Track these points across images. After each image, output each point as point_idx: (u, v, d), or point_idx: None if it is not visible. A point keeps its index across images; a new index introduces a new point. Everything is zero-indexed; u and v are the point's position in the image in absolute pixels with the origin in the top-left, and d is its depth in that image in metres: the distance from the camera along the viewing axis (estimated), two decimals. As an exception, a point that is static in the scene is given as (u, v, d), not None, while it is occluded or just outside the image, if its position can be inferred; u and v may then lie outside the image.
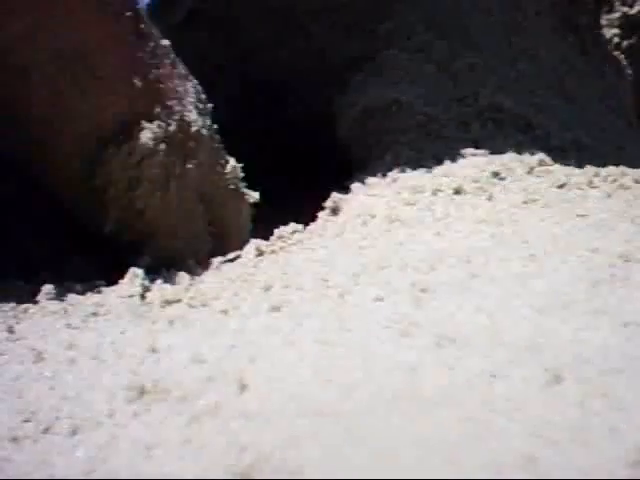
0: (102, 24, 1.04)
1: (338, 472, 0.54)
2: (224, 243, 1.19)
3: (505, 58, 1.48)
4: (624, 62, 1.71)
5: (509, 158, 1.24)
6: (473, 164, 1.23)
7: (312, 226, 1.23)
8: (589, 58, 1.66)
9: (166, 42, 1.14)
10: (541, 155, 1.26)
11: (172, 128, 1.09)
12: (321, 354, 0.72)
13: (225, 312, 0.92)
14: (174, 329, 0.87)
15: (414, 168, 1.26)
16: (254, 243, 1.15)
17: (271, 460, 0.55)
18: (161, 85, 1.11)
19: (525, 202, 1.13)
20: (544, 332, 0.71)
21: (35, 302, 0.97)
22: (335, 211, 1.24)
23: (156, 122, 1.07)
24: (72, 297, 1.00)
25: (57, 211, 1.14)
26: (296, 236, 1.17)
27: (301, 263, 1.06)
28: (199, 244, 1.17)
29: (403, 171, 1.25)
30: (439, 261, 0.94)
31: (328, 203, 1.26)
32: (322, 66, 1.56)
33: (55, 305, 0.98)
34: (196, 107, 1.16)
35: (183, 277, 1.05)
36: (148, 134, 1.05)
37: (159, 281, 1.02)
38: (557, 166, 1.23)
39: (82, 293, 1.02)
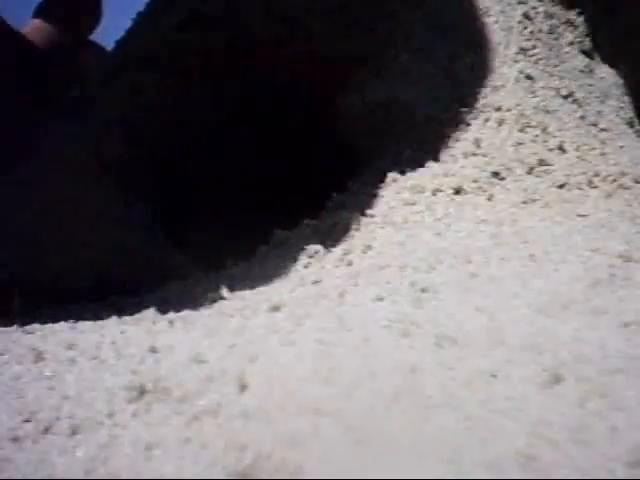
0: None
1: (338, 472, 0.54)
2: None
3: (505, 58, 1.48)
4: (624, 62, 1.71)
5: (509, 158, 1.24)
6: (473, 164, 1.23)
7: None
8: (589, 58, 1.65)
9: None
10: (541, 155, 1.25)
11: None
12: (321, 354, 0.72)
13: (225, 312, 0.92)
14: (174, 329, 0.87)
15: (414, 168, 1.25)
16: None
17: (271, 460, 0.55)
18: None
19: (525, 202, 1.13)
20: (544, 332, 0.71)
21: (36, 302, 0.97)
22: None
23: None
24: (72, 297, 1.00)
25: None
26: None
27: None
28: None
29: (403, 171, 1.25)
30: (439, 261, 0.94)
31: (329, 204, 1.26)
32: (322, 66, 1.56)
33: (55, 305, 0.98)
34: None
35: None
36: None
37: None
38: (557, 166, 1.23)
39: (82, 293, 1.02)
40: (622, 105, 1.57)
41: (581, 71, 1.57)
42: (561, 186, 1.18)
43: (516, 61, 1.47)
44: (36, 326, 0.91)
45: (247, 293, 0.97)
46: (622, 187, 1.18)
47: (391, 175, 1.25)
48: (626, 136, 1.44)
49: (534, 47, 1.52)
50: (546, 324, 0.73)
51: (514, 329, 0.73)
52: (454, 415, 0.58)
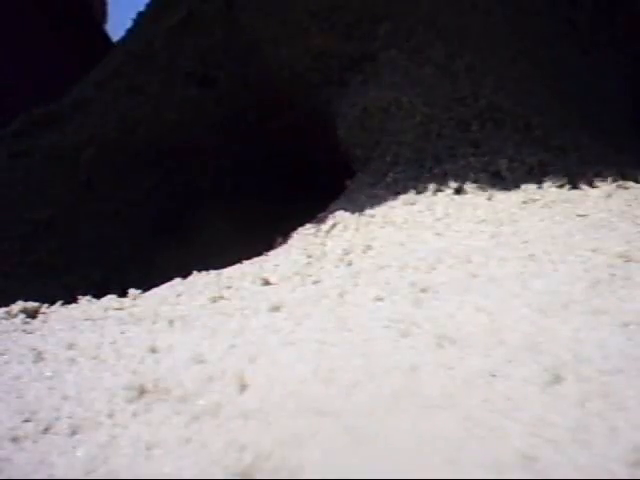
0: None
1: (338, 472, 0.54)
2: None
3: (505, 58, 1.48)
4: (624, 62, 1.71)
5: (509, 158, 1.24)
6: (473, 164, 1.23)
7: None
8: (589, 58, 1.66)
9: None
10: (541, 155, 1.25)
11: None
12: (321, 354, 0.72)
13: (225, 312, 0.92)
14: (174, 329, 0.87)
15: (414, 168, 1.25)
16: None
17: (271, 460, 0.55)
18: None
19: (525, 202, 1.13)
20: (544, 332, 0.71)
21: (36, 303, 0.97)
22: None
23: None
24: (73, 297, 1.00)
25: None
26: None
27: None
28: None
29: (403, 171, 1.25)
30: (439, 261, 0.94)
31: (329, 204, 1.26)
32: (322, 66, 1.56)
33: (56, 305, 0.98)
34: None
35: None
36: None
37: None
38: (557, 166, 1.23)
39: (83, 294, 1.02)
40: (622, 105, 1.57)
41: (581, 71, 1.57)
42: (561, 186, 1.18)
43: (516, 61, 1.47)
44: (36, 326, 0.91)
45: (247, 293, 0.97)
46: (622, 187, 1.18)
47: (391, 175, 1.25)
48: (626, 136, 1.44)
49: (534, 47, 1.52)
50: (546, 324, 0.73)
51: (514, 329, 0.73)
52: (454, 415, 0.58)
